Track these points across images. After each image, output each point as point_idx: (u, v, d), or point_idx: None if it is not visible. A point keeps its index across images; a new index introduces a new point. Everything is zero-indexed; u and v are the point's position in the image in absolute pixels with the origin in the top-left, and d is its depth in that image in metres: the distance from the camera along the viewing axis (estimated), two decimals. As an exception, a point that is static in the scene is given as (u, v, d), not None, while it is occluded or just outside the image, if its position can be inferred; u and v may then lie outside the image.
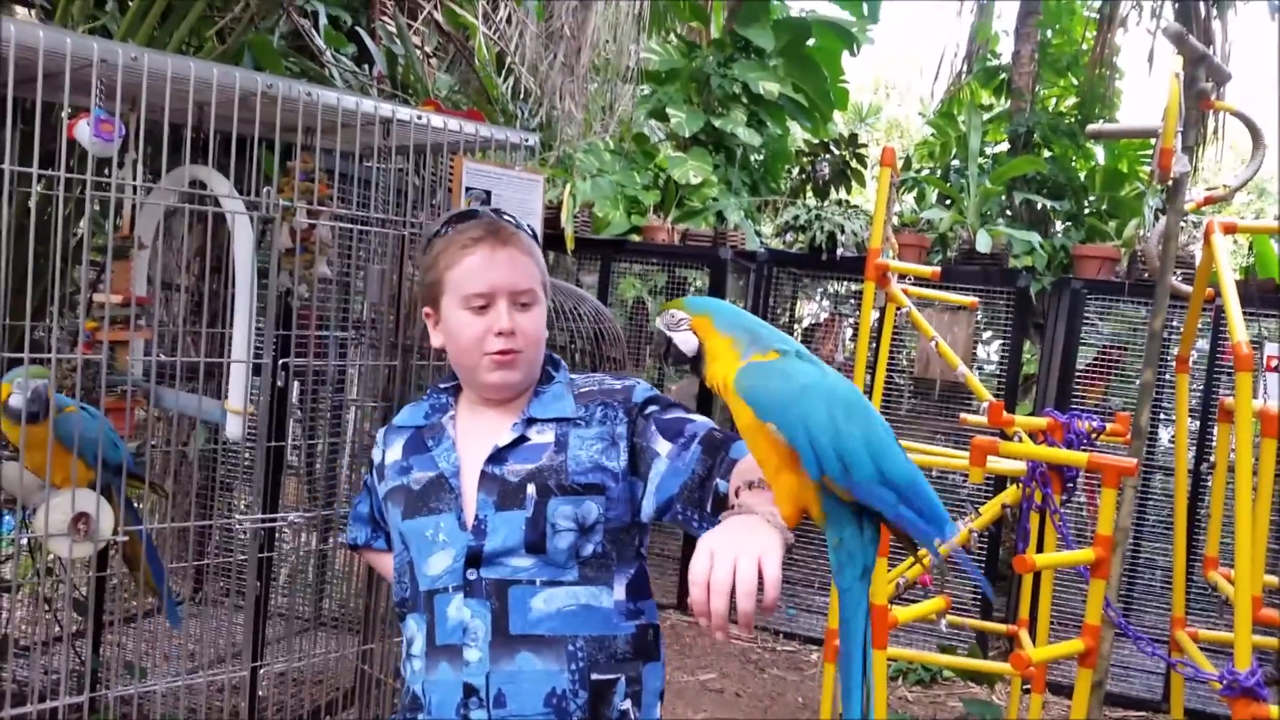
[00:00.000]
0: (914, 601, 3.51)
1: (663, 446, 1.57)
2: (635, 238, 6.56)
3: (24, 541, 2.61)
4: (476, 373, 1.64)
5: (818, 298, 6.88)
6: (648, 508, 1.58)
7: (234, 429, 2.38)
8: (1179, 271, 3.84)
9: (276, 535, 3.16)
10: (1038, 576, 3.41)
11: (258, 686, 2.96)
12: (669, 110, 7.97)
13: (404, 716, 1.66)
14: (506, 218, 1.69)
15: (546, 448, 1.61)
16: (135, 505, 2.28)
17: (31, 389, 2.08)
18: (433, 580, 1.60)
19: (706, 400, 5.52)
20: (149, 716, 2.46)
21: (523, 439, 1.63)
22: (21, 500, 2.24)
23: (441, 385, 1.78)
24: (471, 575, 1.56)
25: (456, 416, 1.71)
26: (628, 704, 1.57)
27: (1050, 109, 7.86)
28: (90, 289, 2.63)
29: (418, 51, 4.73)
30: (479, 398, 1.69)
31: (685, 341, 1.38)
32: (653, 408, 1.64)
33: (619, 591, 1.59)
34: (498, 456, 1.61)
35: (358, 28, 4.25)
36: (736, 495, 1.38)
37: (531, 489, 1.57)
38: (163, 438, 2.91)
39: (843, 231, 5.53)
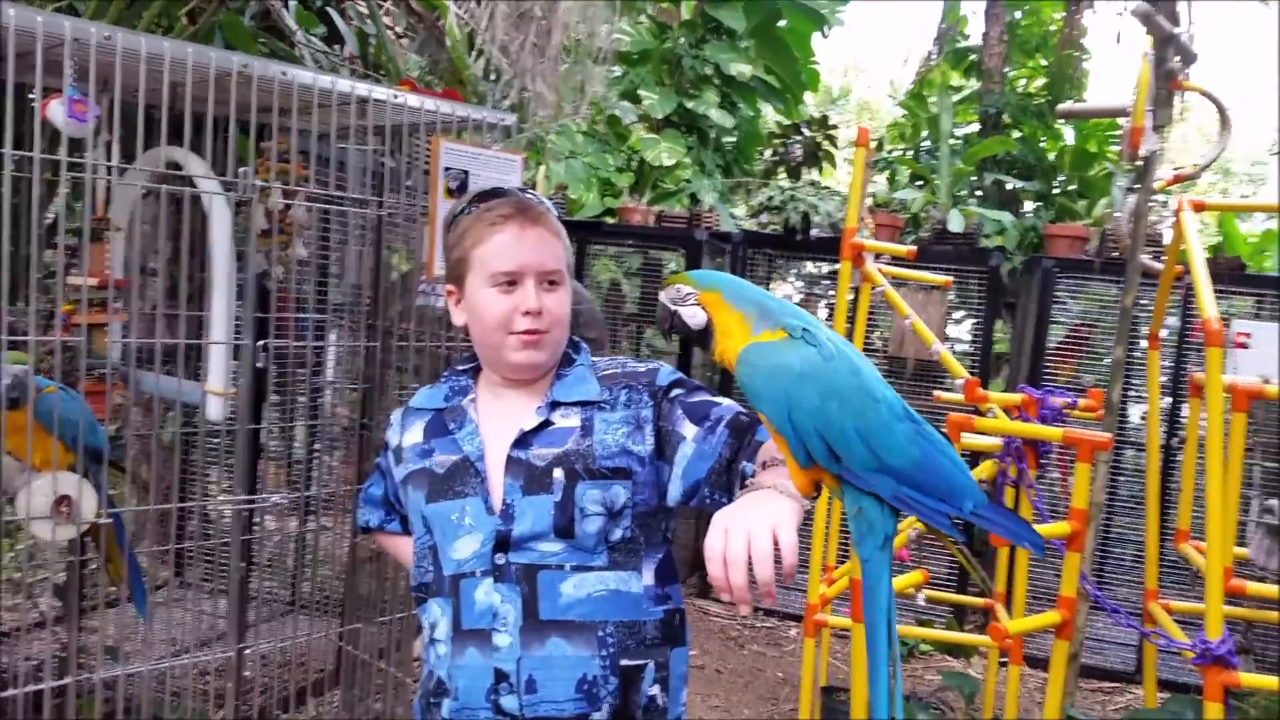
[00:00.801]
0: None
1: (689, 430, 1.56)
2: (609, 220, 6.56)
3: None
4: (501, 352, 1.62)
5: (791, 279, 6.91)
6: (674, 492, 1.57)
7: (215, 411, 2.37)
8: (1148, 250, 3.89)
9: (256, 519, 3.15)
10: (1013, 550, 3.45)
11: (242, 669, 2.96)
12: (641, 92, 7.96)
13: (427, 701, 1.64)
14: (533, 196, 1.68)
15: (572, 431, 1.60)
16: (109, 492, 2.26)
17: (11, 375, 2.06)
18: (459, 564, 1.58)
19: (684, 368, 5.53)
20: (134, 700, 2.46)
21: (548, 423, 1.61)
22: (2, 485, 2.22)
23: (460, 367, 1.75)
24: (500, 560, 1.55)
25: (477, 399, 1.69)
26: (656, 689, 1.57)
27: (1019, 90, 7.92)
28: (64, 272, 2.61)
29: (388, 32, 4.69)
30: (500, 379, 1.67)
31: (692, 316, 1.36)
32: (677, 390, 1.62)
33: (648, 576, 1.58)
34: (523, 440, 1.60)
35: (328, 8, 4.21)
36: (754, 476, 1.38)
37: (559, 473, 1.56)
38: (137, 422, 2.89)
39: (816, 212, 5.55)
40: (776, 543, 1.17)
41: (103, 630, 3.15)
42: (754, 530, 1.17)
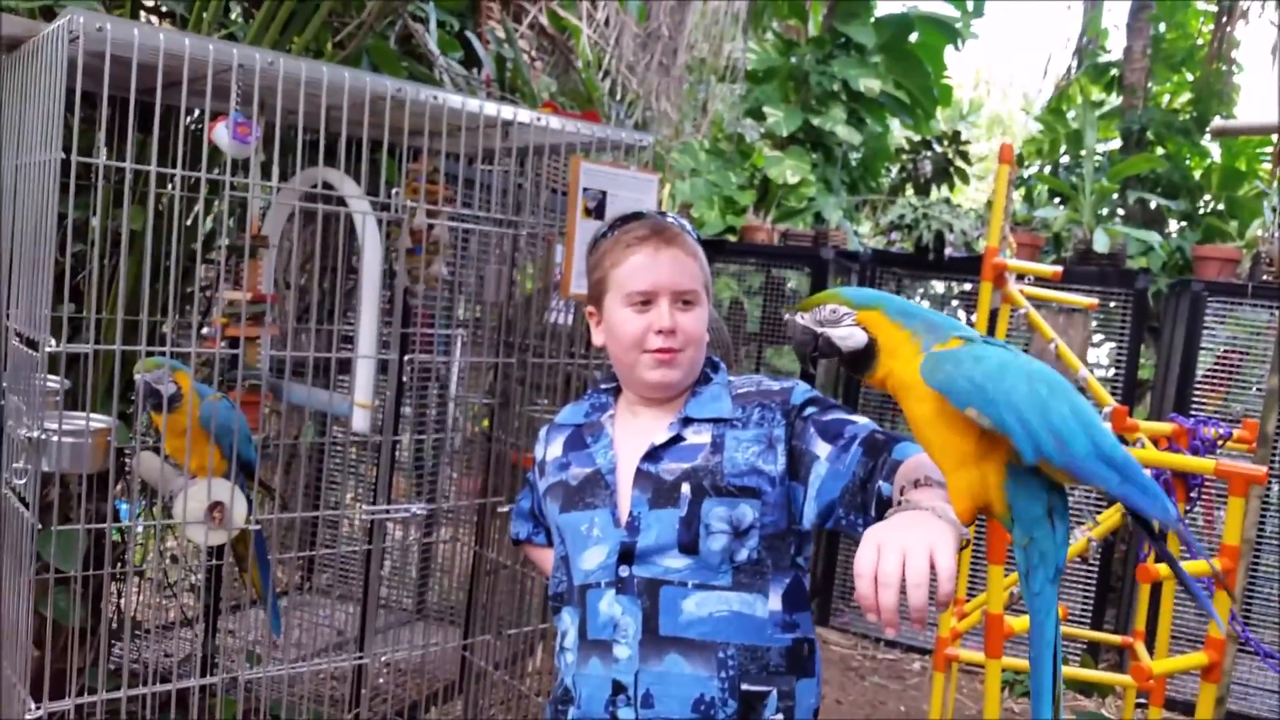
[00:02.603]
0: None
1: (822, 449, 1.54)
2: (732, 238, 6.54)
3: (142, 529, 2.72)
4: (636, 370, 1.65)
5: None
6: (809, 513, 1.56)
7: (361, 423, 2.44)
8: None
9: (384, 528, 3.23)
10: (1155, 587, 3.29)
11: (365, 675, 3.04)
12: (766, 109, 7.92)
13: (555, 708, 1.68)
14: (670, 219, 1.70)
15: (703, 448, 1.60)
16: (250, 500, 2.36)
17: (157, 377, 2.18)
18: (586, 575, 1.61)
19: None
20: (259, 700, 2.55)
21: (679, 438, 1.63)
22: (159, 489, 2.33)
23: (603, 386, 1.79)
24: (624, 572, 1.57)
25: (616, 416, 1.73)
26: (779, 718, 1.55)
27: (1164, 105, 7.61)
28: (214, 287, 2.73)
29: (523, 55, 4.79)
30: (638, 397, 1.70)
31: (848, 336, 1.29)
32: (811, 409, 1.61)
33: (774, 601, 1.57)
34: (653, 455, 1.62)
35: (466, 32, 4.31)
36: (901, 494, 1.33)
37: (686, 488, 1.56)
38: (278, 432, 3.01)
39: (950, 230, 5.42)
40: (932, 567, 1.12)
41: (239, 632, 3.28)
42: (910, 550, 1.12)
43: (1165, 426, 3.08)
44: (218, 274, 2.41)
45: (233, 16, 3.36)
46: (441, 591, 4.30)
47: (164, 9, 3.27)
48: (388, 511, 2.70)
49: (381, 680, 3.70)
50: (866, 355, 1.29)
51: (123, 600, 3.07)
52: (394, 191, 2.43)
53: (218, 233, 2.78)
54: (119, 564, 2.74)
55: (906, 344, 1.26)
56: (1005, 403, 1.15)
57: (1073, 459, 1.13)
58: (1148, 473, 2.69)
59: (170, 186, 2.25)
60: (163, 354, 2.22)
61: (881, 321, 1.28)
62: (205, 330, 2.58)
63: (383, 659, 3.00)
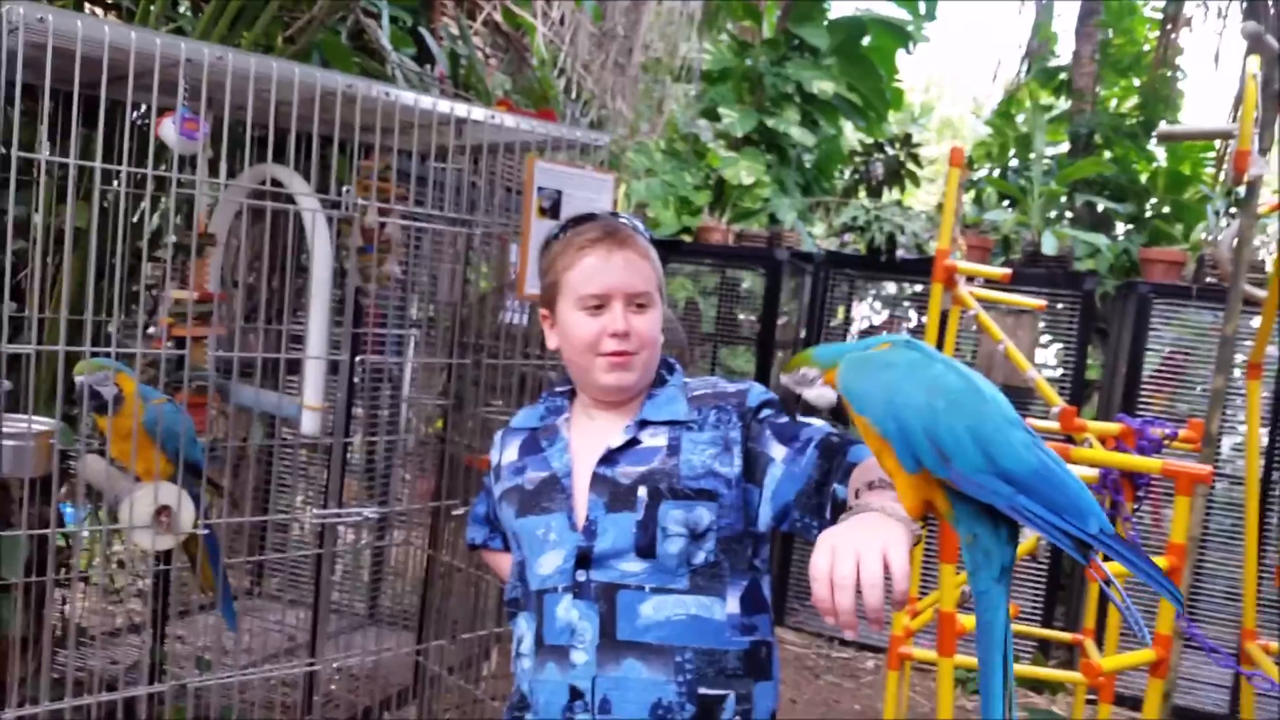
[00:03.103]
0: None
1: (778, 451, 1.55)
2: (686, 238, 6.55)
3: (88, 534, 2.66)
4: (591, 374, 1.63)
5: (870, 299, 6.83)
6: (765, 515, 1.56)
7: (310, 425, 2.40)
8: (1248, 276, 3.75)
9: (335, 532, 3.19)
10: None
11: (317, 681, 3.00)
12: (721, 110, 7.95)
13: (511, 715, 1.66)
14: (623, 220, 1.69)
15: (659, 451, 1.59)
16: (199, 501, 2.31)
17: (98, 379, 2.13)
18: (543, 580, 1.59)
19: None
20: (209, 707, 2.50)
21: (635, 441, 1.62)
22: (106, 493, 2.28)
23: (558, 389, 1.77)
24: (581, 576, 1.55)
25: (571, 419, 1.71)
26: None
27: (1111, 110, 7.74)
28: (166, 285, 2.67)
29: (477, 53, 4.75)
30: (593, 400, 1.69)
31: (822, 396, 1.37)
32: (767, 411, 1.61)
33: (731, 604, 1.56)
34: (610, 458, 1.60)
35: (420, 29, 4.27)
36: (856, 496, 1.34)
37: (643, 491, 1.55)
38: (225, 434, 2.95)
39: (903, 232, 5.47)
40: (886, 567, 1.12)
41: (188, 638, 3.22)
42: (864, 552, 1.11)
43: (1113, 426, 3.13)
44: (164, 273, 2.36)
45: (180, 10, 3.29)
46: (394, 596, 4.25)
47: (109, 1, 3.20)
48: (339, 515, 2.67)
49: (334, 686, 3.65)
50: (841, 408, 1.34)
51: (67, 607, 2.99)
52: (345, 189, 2.39)
53: (164, 230, 2.72)
54: (63, 570, 2.67)
55: None
56: (892, 412, 1.19)
57: (954, 473, 1.15)
58: (1094, 472, 2.71)
59: (115, 183, 2.19)
60: (107, 354, 2.17)
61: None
62: (150, 330, 2.53)
63: (335, 665, 2.95)
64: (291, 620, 3.61)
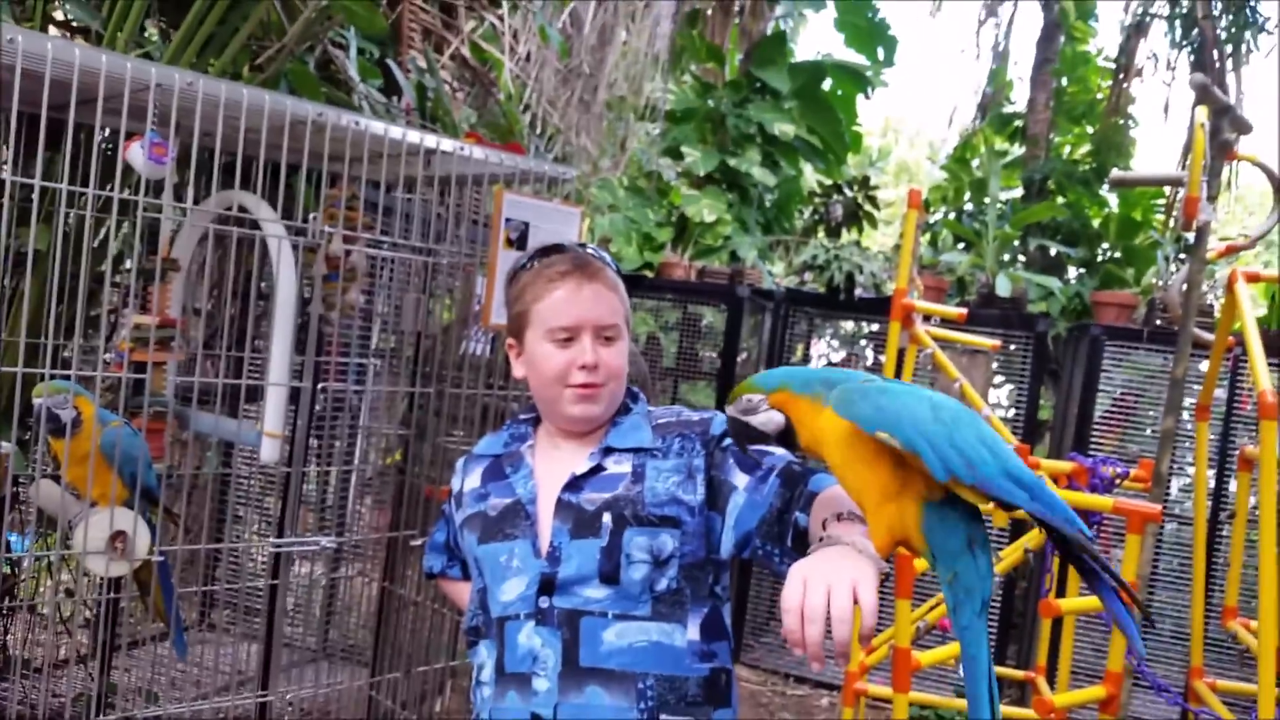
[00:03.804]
0: (930, 646, 3.49)
1: (740, 479, 1.56)
2: (649, 274, 6.59)
3: (41, 559, 2.61)
4: (558, 404, 1.64)
5: (827, 337, 6.90)
6: (727, 542, 1.57)
7: (269, 453, 2.39)
8: (1196, 320, 3.85)
9: (289, 563, 3.15)
10: (1056, 623, 3.39)
11: (269, 715, 2.95)
12: (684, 149, 8.04)
13: None
14: (592, 252, 1.70)
15: (624, 478, 1.60)
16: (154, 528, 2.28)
17: (56, 401, 2.10)
18: (505, 606, 1.59)
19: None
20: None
21: (600, 468, 1.62)
22: (59, 518, 2.24)
23: (521, 416, 1.78)
24: (544, 603, 1.55)
25: (536, 446, 1.71)
26: None
27: (1064, 156, 7.93)
28: (117, 310, 2.65)
29: (444, 85, 4.78)
30: (558, 429, 1.69)
31: (769, 421, 1.38)
32: (730, 440, 1.62)
33: (692, 631, 1.57)
34: (574, 484, 1.61)
35: (386, 60, 4.30)
36: (823, 527, 1.35)
37: (607, 518, 1.56)
38: (180, 461, 2.92)
39: (861, 272, 5.56)
40: (856, 601, 1.14)
41: (135, 669, 3.15)
42: (834, 585, 1.13)
43: (1065, 465, 3.19)
44: (124, 297, 2.35)
45: (149, 35, 3.29)
46: (345, 629, 4.20)
47: (75, 24, 3.19)
48: (296, 544, 2.64)
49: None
50: (790, 432, 1.37)
51: (9, 636, 2.93)
52: (312, 217, 2.39)
53: (126, 254, 2.70)
54: (8, 598, 2.61)
55: (811, 408, 1.33)
56: (912, 427, 1.19)
57: (982, 478, 1.16)
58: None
59: (79, 205, 2.18)
60: (66, 378, 2.14)
61: (790, 399, 1.36)
62: (108, 355, 2.50)
63: (286, 698, 2.90)
64: (241, 653, 3.55)
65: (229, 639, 3.67)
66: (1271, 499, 2.80)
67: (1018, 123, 8.24)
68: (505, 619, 1.58)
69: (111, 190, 2.16)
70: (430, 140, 2.50)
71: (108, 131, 2.62)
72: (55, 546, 2.24)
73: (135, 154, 2.10)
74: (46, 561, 2.49)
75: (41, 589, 3.27)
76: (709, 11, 9.31)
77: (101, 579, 2.23)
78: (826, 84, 8.72)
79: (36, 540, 2.68)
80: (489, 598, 1.63)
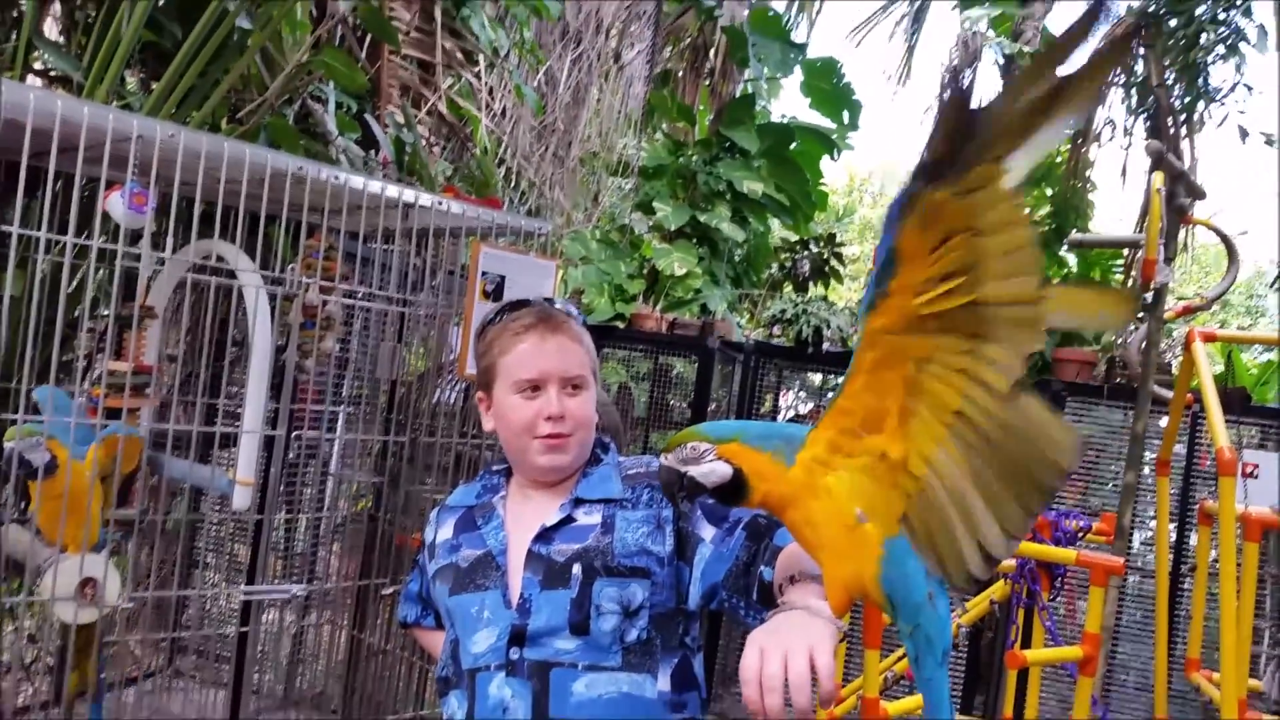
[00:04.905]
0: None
1: (707, 532, 1.58)
2: (620, 324, 6.64)
3: (10, 604, 2.57)
4: (526, 455, 1.66)
5: (796, 388, 6.97)
6: (694, 594, 1.58)
7: (241, 500, 2.39)
8: (1155, 377, 3.95)
9: (259, 610, 3.13)
10: (1022, 673, 3.42)
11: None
12: (655, 204, 8.15)
13: None
14: (558, 305, 1.73)
15: (594, 529, 1.62)
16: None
17: (28, 445, 2.10)
18: (476, 658, 1.59)
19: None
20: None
21: (570, 519, 1.63)
22: (28, 563, 2.23)
23: (494, 468, 1.79)
24: (514, 654, 1.55)
25: (507, 497, 1.73)
26: None
27: (1025, 217, 8.10)
28: (90, 357, 2.65)
29: (421, 140, 4.85)
30: (529, 480, 1.71)
31: (714, 471, 1.31)
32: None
33: (663, 682, 1.57)
34: (545, 536, 1.62)
35: (364, 114, 4.36)
36: (781, 591, 1.37)
37: (577, 569, 1.57)
38: (152, 506, 2.91)
39: (828, 326, 5.64)
40: (813, 666, 1.15)
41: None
42: (791, 652, 1.15)
43: (1029, 517, 3.23)
44: (96, 343, 2.36)
45: (128, 85, 3.33)
46: (313, 677, 4.15)
47: (54, 74, 3.23)
48: (266, 593, 2.63)
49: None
50: (735, 485, 1.31)
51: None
52: (290, 267, 2.43)
53: (102, 301, 2.71)
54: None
55: (770, 464, 1.29)
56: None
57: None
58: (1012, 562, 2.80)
59: (57, 252, 2.20)
60: (39, 423, 2.14)
61: (742, 451, 1.31)
62: (81, 400, 2.50)
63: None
64: (208, 700, 3.50)
65: (196, 686, 3.62)
66: (1231, 552, 2.87)
67: (981, 183, 8.43)
68: (476, 670, 1.58)
69: (89, 238, 2.18)
70: (408, 194, 2.55)
71: (86, 180, 2.65)
72: (22, 592, 2.22)
73: (115, 203, 2.12)
74: (14, 606, 2.45)
75: (4, 635, 3.22)
76: (680, 73, 9.51)
77: (74, 624, 2.20)
78: (794, 145, 8.90)
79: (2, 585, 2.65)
80: (460, 649, 1.63)
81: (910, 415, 1.15)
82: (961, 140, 1.01)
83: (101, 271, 2.63)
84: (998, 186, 1.02)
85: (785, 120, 9.06)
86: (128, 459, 2.28)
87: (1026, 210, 1.04)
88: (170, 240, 2.35)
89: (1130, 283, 6.98)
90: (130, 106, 3.09)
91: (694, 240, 8.07)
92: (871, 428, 1.21)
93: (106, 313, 2.52)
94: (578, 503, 1.65)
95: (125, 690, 3.18)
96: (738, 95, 9.28)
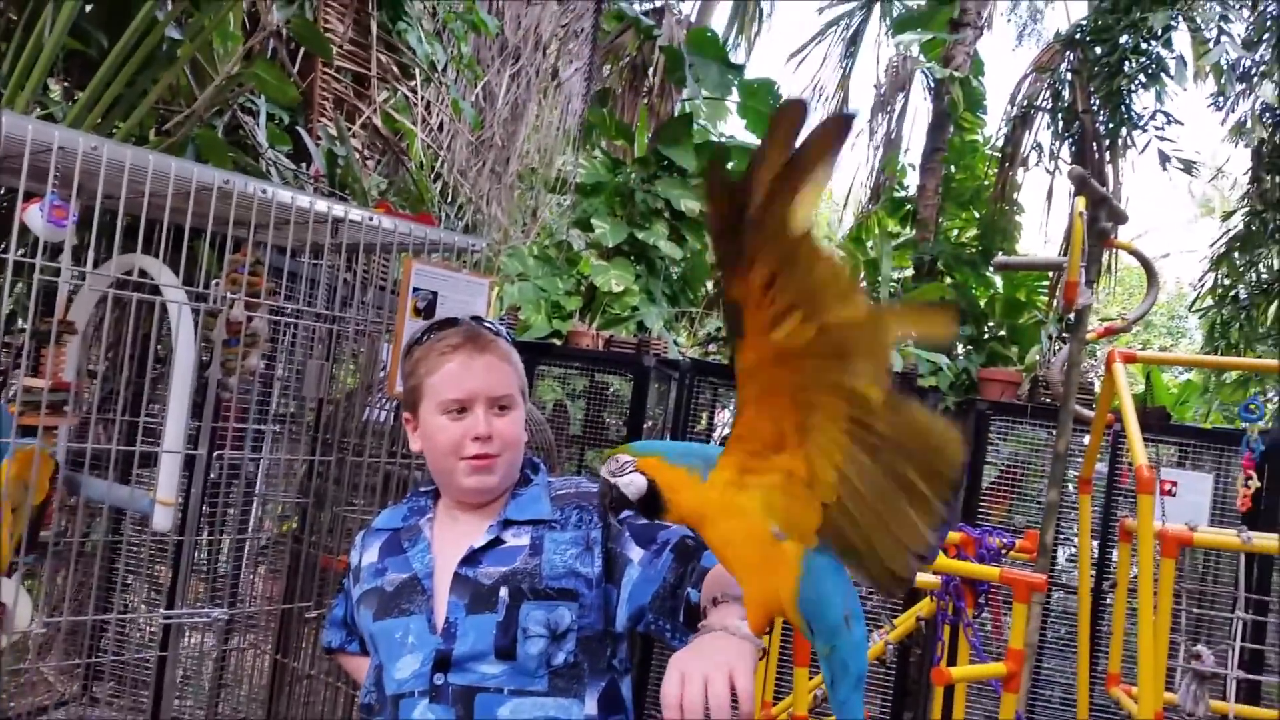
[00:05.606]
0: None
1: (635, 553, 1.58)
2: (557, 342, 6.63)
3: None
4: (454, 476, 1.64)
5: (731, 407, 7.01)
6: (621, 616, 1.58)
7: (163, 521, 2.33)
8: (1077, 397, 4.05)
9: (179, 634, 3.05)
10: (949, 689, 3.47)
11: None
12: (593, 221, 8.16)
13: None
14: (486, 325, 1.72)
15: (522, 550, 1.60)
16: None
17: None
18: (400, 684, 1.56)
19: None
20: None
21: (498, 541, 1.62)
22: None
23: (422, 489, 1.77)
24: (439, 680, 1.53)
25: (435, 519, 1.70)
26: None
27: (953, 239, 8.28)
28: (6, 373, 2.58)
29: (355, 153, 4.80)
30: (456, 502, 1.69)
31: (631, 483, 1.38)
32: (628, 512, 1.63)
33: (590, 705, 1.56)
34: (472, 558, 1.60)
35: (296, 126, 4.31)
36: (705, 614, 1.39)
37: (504, 592, 1.55)
38: (69, 527, 2.83)
39: (762, 346, 5.69)
40: (733, 687, 1.17)
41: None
42: (711, 676, 1.17)
43: (954, 535, 3.29)
44: (12, 359, 2.29)
45: (51, 93, 3.25)
46: (235, 703, 4.05)
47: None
48: (187, 617, 2.57)
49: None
50: (652, 497, 1.37)
51: None
52: (214, 283, 2.38)
53: (19, 315, 2.64)
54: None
55: (685, 479, 1.35)
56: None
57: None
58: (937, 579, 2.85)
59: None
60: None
61: (660, 465, 1.37)
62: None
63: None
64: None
65: (113, 713, 3.51)
66: (1149, 569, 2.94)
67: (909, 206, 8.60)
68: (400, 696, 1.55)
69: (6, 250, 2.12)
70: (338, 209, 2.52)
71: (3, 190, 2.58)
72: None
73: (34, 216, 2.07)
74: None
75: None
76: (619, 91, 9.57)
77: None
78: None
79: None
80: (384, 675, 1.60)
81: (808, 430, 1.19)
82: (736, 208, 1.12)
83: (19, 286, 2.56)
84: (790, 231, 1.09)
85: (723, 140, 9.14)
86: (40, 486, 2.21)
87: (823, 243, 1.11)
88: (92, 254, 2.30)
89: (1054, 303, 7.15)
90: (53, 116, 3.01)
91: (631, 258, 8.09)
92: (775, 448, 1.24)
93: (24, 327, 2.44)
94: (506, 524, 1.64)
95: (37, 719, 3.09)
96: (676, 114, 9.36)
